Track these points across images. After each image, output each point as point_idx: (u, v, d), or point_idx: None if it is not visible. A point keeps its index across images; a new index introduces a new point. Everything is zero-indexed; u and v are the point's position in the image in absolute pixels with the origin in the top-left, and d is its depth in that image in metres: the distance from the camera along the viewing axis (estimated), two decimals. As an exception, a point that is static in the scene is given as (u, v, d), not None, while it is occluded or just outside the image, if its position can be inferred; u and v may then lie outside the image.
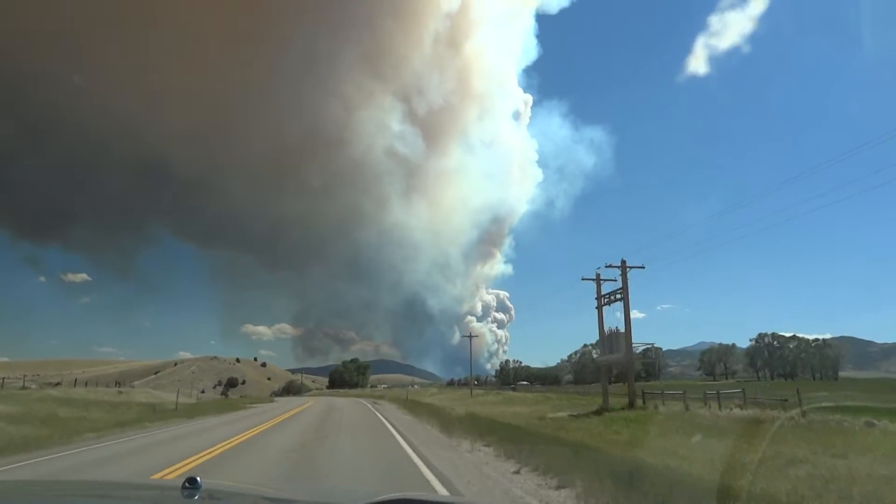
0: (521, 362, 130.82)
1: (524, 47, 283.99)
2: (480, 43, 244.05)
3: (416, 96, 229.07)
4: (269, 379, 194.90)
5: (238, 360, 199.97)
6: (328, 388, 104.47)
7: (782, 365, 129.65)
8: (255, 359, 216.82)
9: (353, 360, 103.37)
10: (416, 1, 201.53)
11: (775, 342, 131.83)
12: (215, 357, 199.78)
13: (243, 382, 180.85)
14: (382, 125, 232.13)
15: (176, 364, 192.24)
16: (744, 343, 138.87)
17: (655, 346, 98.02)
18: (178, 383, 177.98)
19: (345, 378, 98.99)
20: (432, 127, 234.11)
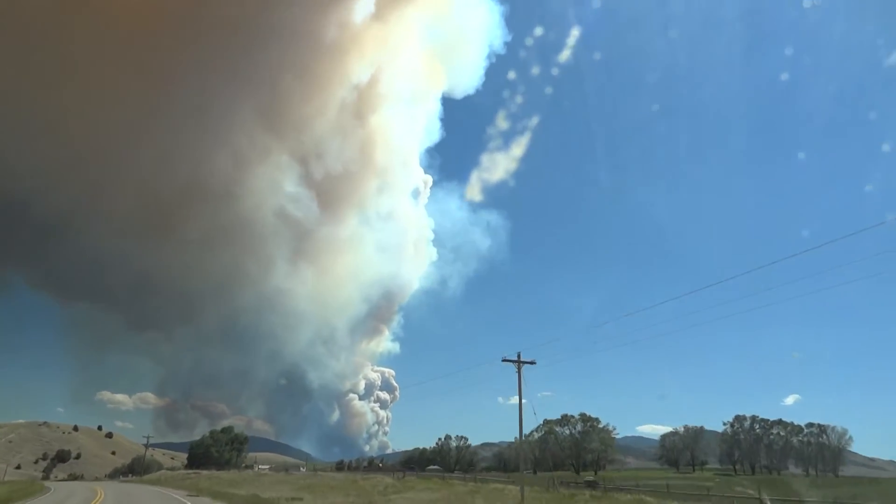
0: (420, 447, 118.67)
1: (428, 128, 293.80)
2: (386, 118, 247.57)
3: (314, 160, 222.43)
4: (113, 453, 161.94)
5: (76, 429, 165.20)
6: (187, 467, 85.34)
7: (768, 455, 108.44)
8: (100, 427, 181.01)
9: (226, 430, 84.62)
10: (321, 66, 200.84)
11: (756, 426, 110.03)
12: (45, 423, 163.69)
13: (77, 456, 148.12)
14: (275, 184, 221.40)
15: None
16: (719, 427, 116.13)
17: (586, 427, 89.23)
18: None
19: (212, 454, 79.87)
20: (329, 193, 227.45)
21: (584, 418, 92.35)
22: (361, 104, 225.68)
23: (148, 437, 68.44)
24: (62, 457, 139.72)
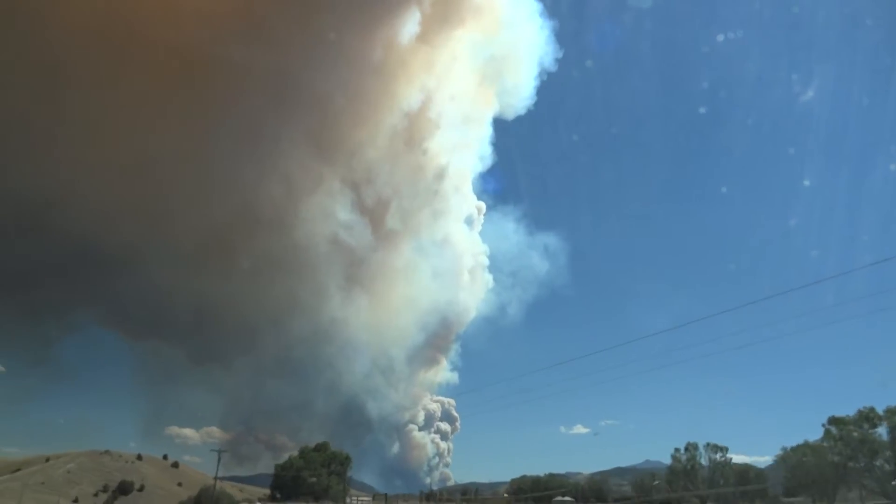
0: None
1: (481, 152, 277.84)
2: (437, 143, 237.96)
3: (366, 185, 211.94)
4: (179, 485, 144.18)
5: (140, 458, 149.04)
6: (271, 498, 64.86)
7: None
8: (165, 456, 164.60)
9: (321, 448, 62.23)
10: (370, 89, 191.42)
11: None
12: (107, 452, 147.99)
13: (141, 488, 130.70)
14: (327, 211, 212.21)
15: (48, 460, 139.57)
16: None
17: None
18: (43, 487, 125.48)
19: (304, 479, 58.42)
20: (381, 220, 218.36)
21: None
22: (412, 129, 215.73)
23: (219, 454, 48.40)
24: (124, 488, 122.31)
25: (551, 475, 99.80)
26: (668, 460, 72.05)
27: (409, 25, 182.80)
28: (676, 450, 66.58)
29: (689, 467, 65.70)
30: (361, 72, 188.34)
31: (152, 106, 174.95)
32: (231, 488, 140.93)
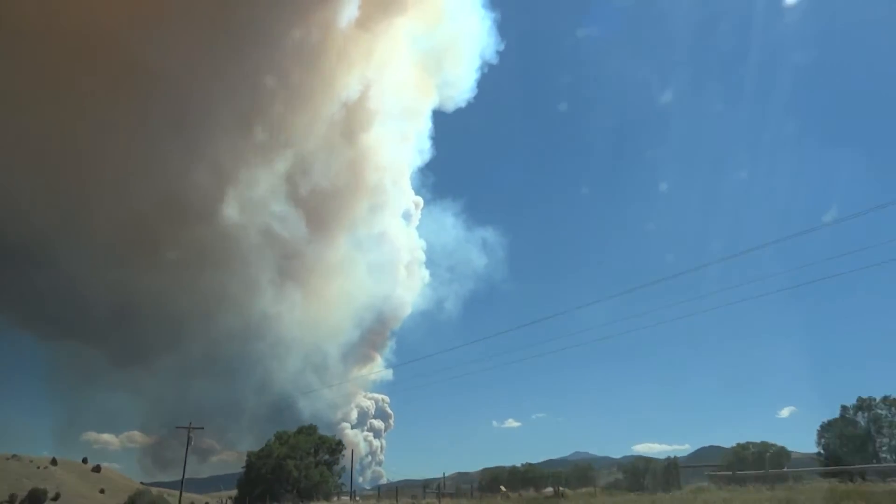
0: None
1: (419, 146, 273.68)
2: (375, 135, 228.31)
3: (300, 176, 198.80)
4: (102, 491, 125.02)
5: (54, 462, 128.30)
6: (237, 500, 52.16)
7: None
8: (85, 460, 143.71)
9: (307, 430, 49.41)
10: (306, 74, 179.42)
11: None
12: (15, 456, 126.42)
13: (56, 497, 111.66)
14: (260, 201, 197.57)
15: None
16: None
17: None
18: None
19: (288, 470, 45.55)
20: (317, 213, 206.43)
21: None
22: (351, 119, 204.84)
23: (189, 434, 35.65)
24: (36, 497, 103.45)
25: (528, 465, 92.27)
26: (596, 451, 68.70)
27: (348, 9, 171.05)
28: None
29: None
30: (296, 56, 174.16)
31: (66, 90, 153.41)
32: (160, 495, 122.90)
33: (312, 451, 51.05)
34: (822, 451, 42.77)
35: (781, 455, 47.25)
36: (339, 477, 53.06)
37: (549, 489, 59.18)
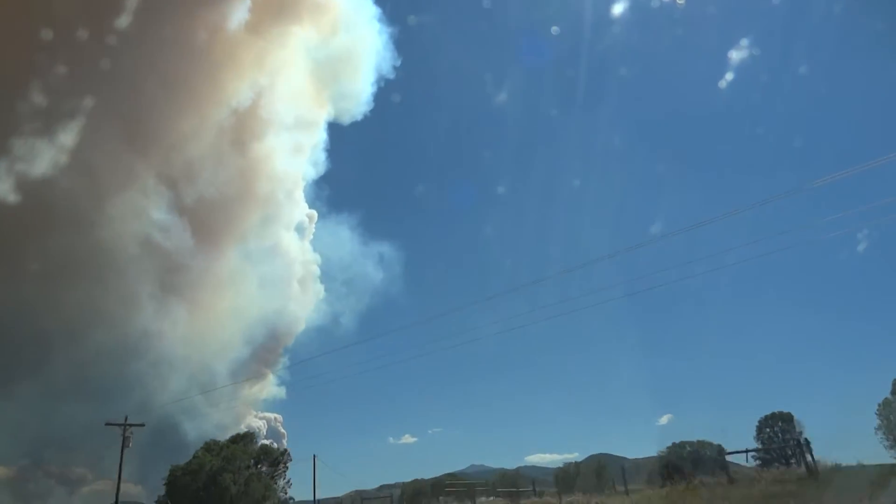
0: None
1: (313, 158, 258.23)
2: (268, 145, 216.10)
3: (185, 183, 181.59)
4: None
5: None
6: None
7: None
8: None
9: (244, 437, 40.57)
10: (193, 77, 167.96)
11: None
12: None
13: None
14: (139, 209, 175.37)
15: None
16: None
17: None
18: None
19: (224, 487, 36.31)
20: (205, 224, 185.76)
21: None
22: (241, 127, 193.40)
23: (124, 434, 27.31)
24: None
25: (450, 475, 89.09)
26: (492, 463, 72.86)
27: (238, 11, 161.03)
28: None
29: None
30: (180, 56, 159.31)
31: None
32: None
33: (252, 463, 43.00)
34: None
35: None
36: (286, 492, 45.24)
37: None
